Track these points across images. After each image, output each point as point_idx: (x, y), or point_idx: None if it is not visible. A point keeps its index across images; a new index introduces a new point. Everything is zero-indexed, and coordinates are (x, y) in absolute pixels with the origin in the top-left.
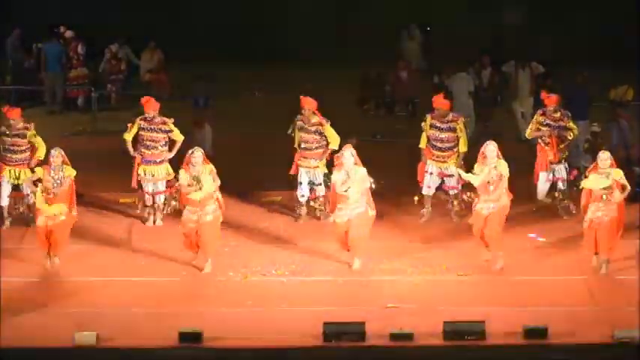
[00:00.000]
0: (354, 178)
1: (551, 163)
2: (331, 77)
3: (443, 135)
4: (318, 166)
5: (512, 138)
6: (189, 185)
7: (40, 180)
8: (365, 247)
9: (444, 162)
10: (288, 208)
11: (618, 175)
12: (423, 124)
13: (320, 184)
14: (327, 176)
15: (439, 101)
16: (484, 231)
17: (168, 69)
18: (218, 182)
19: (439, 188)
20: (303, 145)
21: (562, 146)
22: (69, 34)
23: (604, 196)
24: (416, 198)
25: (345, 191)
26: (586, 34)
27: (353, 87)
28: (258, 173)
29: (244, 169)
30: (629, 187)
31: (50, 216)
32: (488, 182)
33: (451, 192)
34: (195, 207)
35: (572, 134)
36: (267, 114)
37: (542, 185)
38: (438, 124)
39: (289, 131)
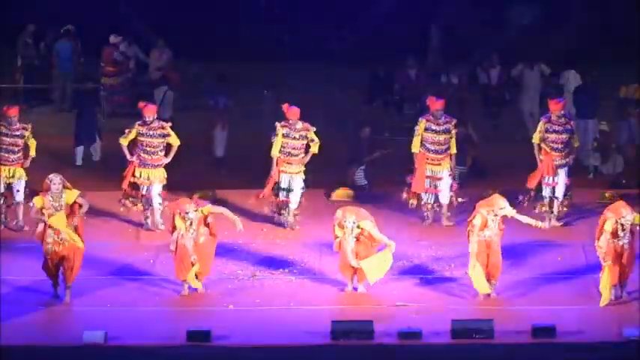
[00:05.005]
0: (357, 232)
1: (557, 167)
2: (339, 76)
3: (440, 137)
4: (299, 171)
5: (520, 138)
6: (186, 230)
7: (40, 209)
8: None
9: (438, 164)
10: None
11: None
12: (416, 127)
13: (298, 190)
14: (305, 182)
15: (435, 103)
16: (489, 260)
17: (177, 67)
18: (221, 209)
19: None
20: (287, 152)
21: (566, 151)
22: (113, 39)
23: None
24: (412, 202)
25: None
26: (595, 33)
27: (362, 85)
28: (265, 172)
29: (252, 168)
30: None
31: (57, 241)
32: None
33: (442, 196)
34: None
35: (576, 140)
36: (277, 113)
37: (546, 192)
38: (435, 127)
39: (272, 138)
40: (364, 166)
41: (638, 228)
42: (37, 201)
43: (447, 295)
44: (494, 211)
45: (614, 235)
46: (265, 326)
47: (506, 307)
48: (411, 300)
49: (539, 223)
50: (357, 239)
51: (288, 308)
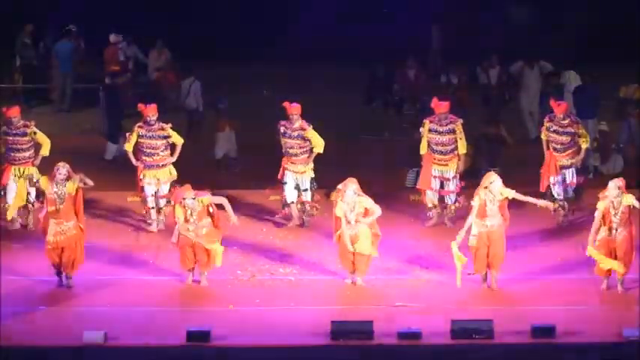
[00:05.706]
0: (357, 211)
1: (562, 167)
2: (339, 75)
3: (444, 138)
4: (305, 171)
5: (520, 137)
6: (186, 221)
7: (42, 191)
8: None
9: (446, 165)
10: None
11: (629, 200)
12: (421, 129)
13: (306, 190)
14: (314, 181)
15: (439, 104)
16: (490, 251)
17: (175, 68)
18: (220, 199)
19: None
20: (286, 151)
21: (571, 151)
22: (113, 38)
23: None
24: (415, 198)
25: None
26: (595, 33)
27: (361, 85)
28: (264, 172)
29: (251, 168)
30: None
31: (59, 231)
32: (487, 204)
33: (448, 197)
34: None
35: (585, 141)
36: (275, 113)
37: (558, 189)
38: (438, 128)
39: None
40: (418, 168)
41: (635, 207)
42: (43, 181)
43: (447, 295)
44: (487, 188)
45: (608, 217)
46: (265, 326)
47: (506, 307)
48: (411, 300)
49: (542, 202)
50: (357, 223)
51: (288, 308)
